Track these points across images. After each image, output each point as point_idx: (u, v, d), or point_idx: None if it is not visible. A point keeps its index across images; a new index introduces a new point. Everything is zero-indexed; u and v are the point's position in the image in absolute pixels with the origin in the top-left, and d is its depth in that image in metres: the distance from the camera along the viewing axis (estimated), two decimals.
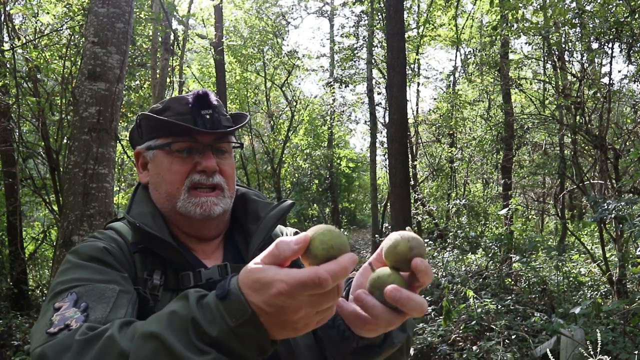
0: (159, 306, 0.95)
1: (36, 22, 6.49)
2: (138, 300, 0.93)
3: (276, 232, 1.19)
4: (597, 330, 1.92)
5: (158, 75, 7.42)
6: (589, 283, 5.74)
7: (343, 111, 16.21)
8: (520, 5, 6.47)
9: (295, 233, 1.24)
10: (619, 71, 28.95)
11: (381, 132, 12.73)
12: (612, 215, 4.22)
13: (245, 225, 1.14)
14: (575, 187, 6.96)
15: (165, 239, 1.00)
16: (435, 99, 14.48)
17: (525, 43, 8.68)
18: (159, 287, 0.97)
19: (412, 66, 12.41)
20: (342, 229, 16.29)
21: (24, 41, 6.23)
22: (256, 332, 0.66)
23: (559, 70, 7.46)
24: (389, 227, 9.22)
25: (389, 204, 10.33)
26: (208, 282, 1.02)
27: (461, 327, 5.14)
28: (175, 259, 1.01)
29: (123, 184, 11.09)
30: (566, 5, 6.02)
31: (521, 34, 7.06)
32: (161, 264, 1.01)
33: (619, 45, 5.65)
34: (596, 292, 5.42)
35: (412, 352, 4.83)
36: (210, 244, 1.12)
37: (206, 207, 1.05)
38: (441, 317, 5.07)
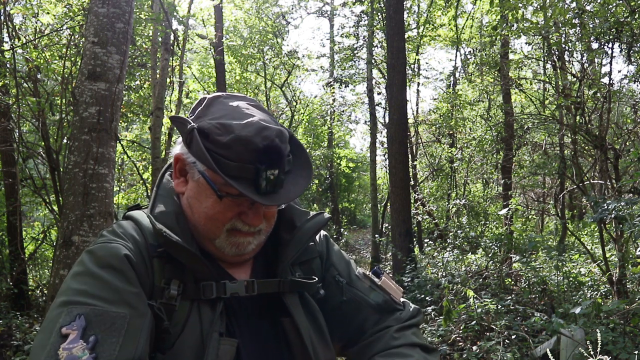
0: (176, 315, 0.92)
1: (36, 22, 6.48)
2: (154, 317, 0.89)
3: None
4: (597, 330, 1.92)
5: (158, 75, 7.42)
6: (589, 283, 5.74)
7: (343, 111, 16.20)
8: (520, 5, 6.47)
9: (325, 237, 1.19)
10: (619, 71, 29.04)
11: (381, 132, 12.73)
12: (612, 215, 4.22)
13: (278, 232, 1.09)
14: (575, 187, 6.95)
15: (192, 250, 0.94)
16: (435, 99, 14.49)
17: (525, 43, 8.70)
18: (177, 297, 0.93)
19: (412, 66, 12.40)
20: (342, 229, 16.31)
21: (24, 41, 6.23)
22: None
23: (559, 70, 7.45)
24: (389, 227, 9.21)
25: (389, 204, 10.32)
26: (232, 296, 0.98)
27: (461, 327, 5.14)
28: (198, 269, 0.96)
29: (123, 184, 11.10)
30: (566, 5, 6.02)
31: (521, 34, 7.06)
32: (180, 271, 0.96)
33: (619, 45, 5.64)
34: (596, 292, 5.42)
35: None
36: None
37: (242, 247, 1.00)
38: (441, 317, 5.07)
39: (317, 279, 1.07)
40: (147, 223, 0.99)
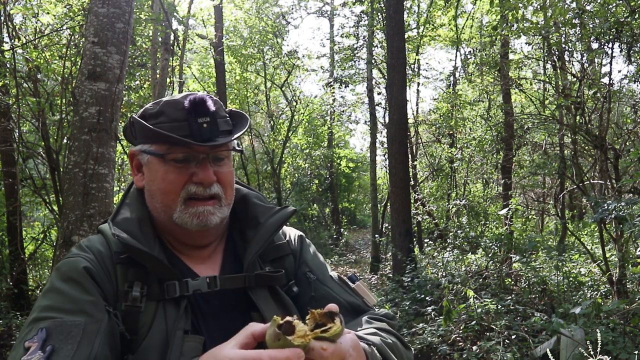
0: (142, 316, 0.96)
1: (36, 22, 6.48)
2: (112, 323, 0.93)
3: (278, 235, 1.17)
4: (597, 330, 1.93)
5: (158, 75, 7.41)
6: (589, 283, 5.74)
7: (343, 111, 16.20)
8: (520, 5, 6.47)
9: (300, 237, 1.22)
10: (619, 71, 28.98)
11: (381, 132, 12.73)
12: (612, 216, 4.22)
13: (244, 230, 1.12)
14: (575, 187, 6.95)
15: (146, 250, 0.98)
16: (435, 99, 14.48)
17: (525, 43, 8.69)
18: (141, 298, 0.97)
19: (412, 66, 12.40)
20: (342, 229, 16.30)
21: (24, 41, 6.23)
22: None
23: (559, 70, 7.46)
24: (389, 227, 9.21)
25: (389, 204, 10.32)
26: (195, 293, 1.01)
27: (461, 327, 5.14)
28: (160, 270, 0.99)
29: (123, 184, 11.09)
30: (566, 5, 6.02)
31: (521, 34, 7.06)
32: (143, 274, 0.99)
33: (619, 45, 5.65)
34: (596, 292, 5.42)
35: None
36: (207, 248, 1.10)
37: (203, 218, 1.02)
38: (441, 317, 5.07)
39: (282, 271, 1.10)
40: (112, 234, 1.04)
